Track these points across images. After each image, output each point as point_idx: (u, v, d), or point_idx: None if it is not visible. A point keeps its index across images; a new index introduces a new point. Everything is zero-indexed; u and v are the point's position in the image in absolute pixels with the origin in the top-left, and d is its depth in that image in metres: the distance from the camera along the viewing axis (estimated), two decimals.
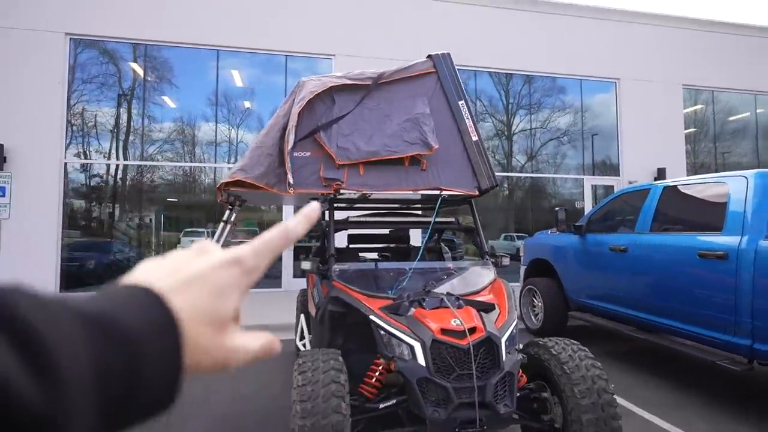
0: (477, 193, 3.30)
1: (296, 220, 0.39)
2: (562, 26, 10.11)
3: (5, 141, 7.78)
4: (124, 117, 8.86)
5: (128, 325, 0.28)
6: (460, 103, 3.29)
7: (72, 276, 8.15)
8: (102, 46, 8.61)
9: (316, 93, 3.04)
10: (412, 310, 2.39)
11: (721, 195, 3.48)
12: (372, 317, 2.34)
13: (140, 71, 8.83)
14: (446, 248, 4.27)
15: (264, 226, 9.57)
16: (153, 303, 0.30)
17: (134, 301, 0.30)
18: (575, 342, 2.46)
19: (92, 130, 8.70)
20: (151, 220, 9.35)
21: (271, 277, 8.96)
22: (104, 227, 9.06)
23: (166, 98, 9.05)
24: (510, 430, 2.67)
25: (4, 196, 5.23)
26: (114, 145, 8.89)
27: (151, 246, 9.15)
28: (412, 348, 2.15)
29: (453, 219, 3.56)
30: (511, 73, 10.09)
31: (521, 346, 2.60)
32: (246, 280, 0.36)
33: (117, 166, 8.98)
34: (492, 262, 3.19)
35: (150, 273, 0.34)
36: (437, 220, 3.46)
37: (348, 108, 3.12)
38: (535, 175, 10.41)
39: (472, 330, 2.19)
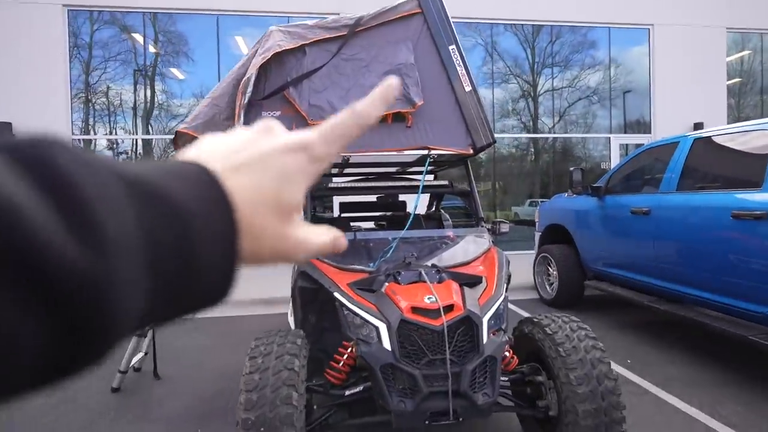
0: (471, 151, 2.92)
1: (368, 101, 0.35)
2: None
3: (13, 119, 7.80)
4: (134, 91, 8.73)
5: (178, 199, 0.25)
6: (450, 48, 2.86)
7: None
8: (117, 19, 8.38)
9: (285, 48, 2.70)
10: (386, 285, 2.11)
11: (762, 146, 2.97)
12: (335, 293, 2.07)
13: (141, 39, 8.60)
14: (446, 216, 3.92)
15: None
16: (206, 182, 0.27)
17: (186, 177, 0.26)
18: (575, 319, 2.13)
19: (103, 106, 8.64)
20: None
21: None
22: None
23: (174, 70, 8.82)
24: (502, 417, 2.41)
25: None
26: (132, 121, 8.78)
27: None
28: (377, 329, 1.88)
29: (446, 182, 3.19)
30: (537, 25, 9.30)
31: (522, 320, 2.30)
32: (313, 167, 0.33)
33: (132, 141, 8.91)
34: (488, 229, 2.86)
35: (207, 151, 0.30)
36: (428, 183, 3.12)
37: (321, 60, 2.76)
38: (560, 135, 9.75)
39: (449, 308, 1.89)
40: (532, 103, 9.74)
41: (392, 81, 0.35)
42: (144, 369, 3.42)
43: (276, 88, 2.71)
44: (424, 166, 3.39)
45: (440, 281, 2.12)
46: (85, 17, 8.33)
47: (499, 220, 2.92)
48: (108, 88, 8.58)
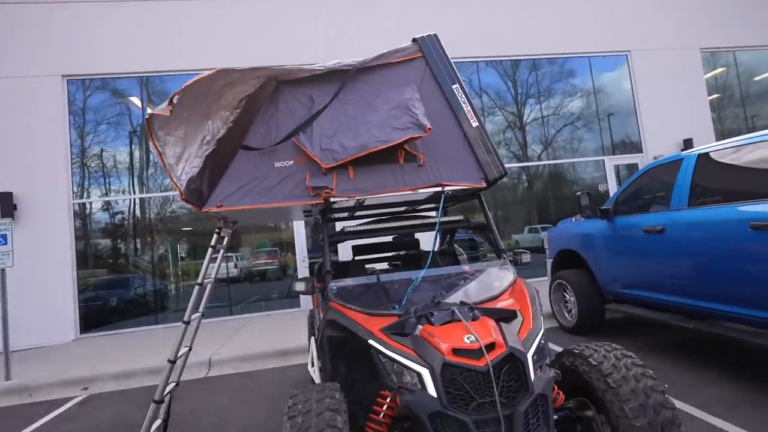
0: (484, 184, 2.93)
1: None
2: (563, 2, 9.67)
3: (14, 189, 7.81)
4: (129, 153, 8.80)
5: None
6: (454, 87, 2.94)
7: (92, 315, 8.12)
8: (111, 85, 8.58)
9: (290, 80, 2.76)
10: (419, 327, 2.04)
11: None
12: (370, 341, 1.99)
13: (138, 103, 8.79)
14: (460, 250, 3.89)
15: (283, 245, 9.31)
16: None
17: None
18: (618, 347, 2.06)
19: (100, 169, 8.68)
20: (167, 251, 9.21)
21: (290, 297, 8.70)
22: (122, 263, 8.97)
23: None
24: None
25: (6, 244, 5.11)
26: (128, 182, 8.80)
27: (170, 277, 8.99)
28: (419, 375, 1.80)
29: (462, 217, 3.18)
30: (516, 60, 9.67)
31: (555, 356, 2.21)
32: None
33: (129, 200, 8.88)
34: (510, 261, 2.82)
35: None
36: (443, 219, 3.10)
37: (324, 101, 2.81)
38: (552, 161, 9.90)
39: (490, 346, 1.82)
40: (520, 133, 9.97)
41: None
42: None
43: (286, 135, 2.73)
44: (435, 203, 3.40)
45: (474, 318, 2.05)
46: (79, 85, 8.51)
47: (520, 250, 2.88)
48: (102, 150, 8.65)
